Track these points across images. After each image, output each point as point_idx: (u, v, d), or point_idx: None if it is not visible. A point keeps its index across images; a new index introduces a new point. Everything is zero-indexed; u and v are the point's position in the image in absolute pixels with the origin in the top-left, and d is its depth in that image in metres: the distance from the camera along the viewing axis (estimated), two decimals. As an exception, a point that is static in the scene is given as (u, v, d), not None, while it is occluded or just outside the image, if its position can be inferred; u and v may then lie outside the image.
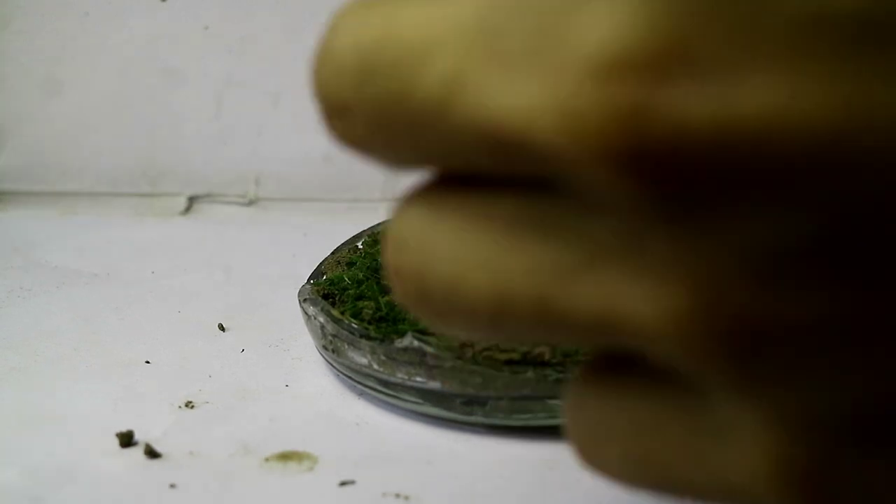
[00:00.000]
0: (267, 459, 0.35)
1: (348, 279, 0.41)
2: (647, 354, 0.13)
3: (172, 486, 0.33)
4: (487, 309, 0.14)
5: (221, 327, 0.47)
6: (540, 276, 0.14)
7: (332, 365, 0.40)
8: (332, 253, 0.46)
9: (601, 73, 0.12)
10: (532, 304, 0.14)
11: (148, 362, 0.43)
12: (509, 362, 0.35)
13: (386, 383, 0.37)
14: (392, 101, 0.14)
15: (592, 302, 0.13)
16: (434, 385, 0.36)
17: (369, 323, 0.38)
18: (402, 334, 0.36)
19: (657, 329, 0.13)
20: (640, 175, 0.12)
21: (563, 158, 0.12)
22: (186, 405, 0.39)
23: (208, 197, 0.68)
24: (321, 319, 0.39)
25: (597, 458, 0.16)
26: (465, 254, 0.14)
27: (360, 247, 0.46)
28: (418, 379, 0.36)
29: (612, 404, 0.16)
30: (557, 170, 0.13)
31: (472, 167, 0.14)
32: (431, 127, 0.14)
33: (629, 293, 0.13)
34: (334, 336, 0.39)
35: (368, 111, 0.15)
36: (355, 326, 0.38)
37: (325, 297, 0.41)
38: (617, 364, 0.15)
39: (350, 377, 0.39)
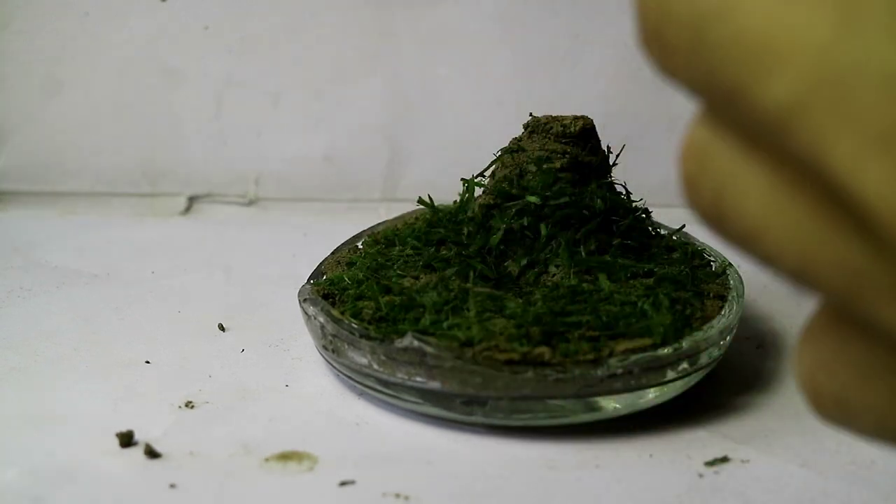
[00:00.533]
0: (267, 459, 0.35)
1: (348, 279, 0.41)
2: None
3: (172, 486, 0.33)
4: (785, 266, 0.15)
5: (221, 327, 0.47)
6: (852, 277, 0.14)
7: (332, 365, 0.40)
8: (332, 253, 0.46)
9: None
10: (836, 289, 0.15)
11: (148, 362, 0.43)
12: (509, 362, 0.35)
13: (386, 383, 0.37)
14: (721, 81, 0.15)
15: None
16: (434, 385, 0.36)
17: (369, 323, 0.38)
18: (402, 334, 0.36)
19: None
20: None
21: None
22: (186, 405, 0.39)
23: (208, 197, 0.68)
24: (321, 319, 0.39)
25: (836, 412, 0.17)
26: (776, 208, 0.15)
27: (360, 247, 0.46)
28: (418, 379, 0.36)
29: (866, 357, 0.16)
30: (880, 234, 0.13)
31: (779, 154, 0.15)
32: (754, 124, 0.15)
33: None
34: (334, 336, 0.39)
35: (693, 71, 0.15)
36: (355, 326, 0.38)
37: (325, 297, 0.41)
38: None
39: (350, 377, 0.39)
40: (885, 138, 0.13)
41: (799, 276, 0.15)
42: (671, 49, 0.15)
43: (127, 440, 0.35)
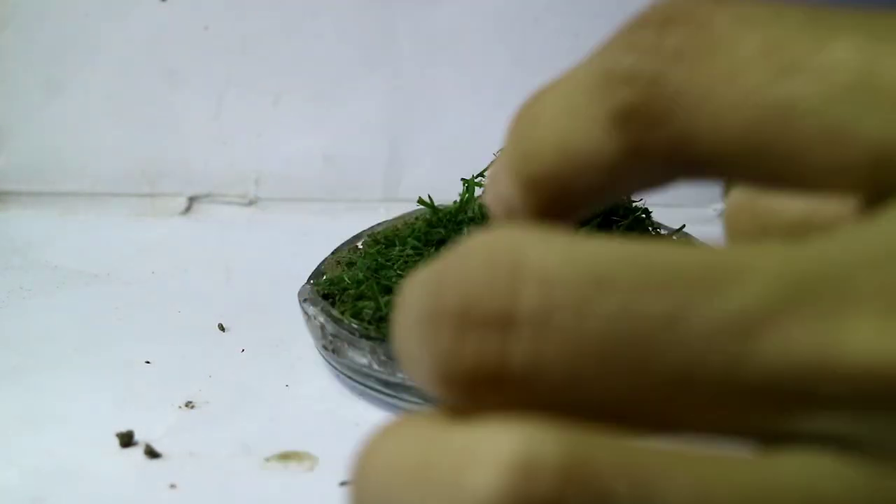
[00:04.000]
0: (267, 459, 0.35)
1: (348, 279, 0.41)
2: None
3: (172, 486, 0.33)
4: None
5: (221, 327, 0.47)
6: None
7: (332, 365, 0.40)
8: (332, 253, 0.46)
9: None
10: None
11: (148, 362, 0.43)
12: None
13: (386, 383, 0.37)
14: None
15: None
16: (434, 385, 0.36)
17: (369, 323, 0.38)
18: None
19: None
20: None
21: None
22: (186, 405, 0.39)
23: (208, 197, 0.68)
24: (321, 319, 0.39)
25: None
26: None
27: (360, 247, 0.46)
28: (418, 379, 0.36)
29: None
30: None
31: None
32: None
33: None
34: (334, 336, 0.39)
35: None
36: (355, 326, 0.38)
37: (325, 297, 0.41)
38: None
39: (350, 377, 0.39)
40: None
41: None
42: None
43: (127, 440, 0.35)
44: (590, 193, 0.16)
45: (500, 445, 0.12)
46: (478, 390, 0.13)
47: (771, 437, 0.13)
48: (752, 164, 0.14)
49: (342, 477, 0.34)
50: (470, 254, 0.13)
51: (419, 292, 0.14)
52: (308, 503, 0.33)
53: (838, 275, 0.12)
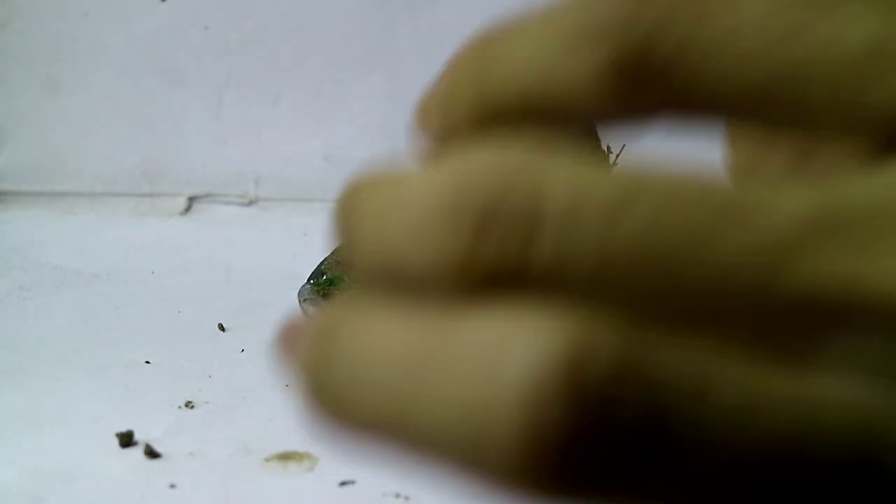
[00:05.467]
0: (267, 459, 0.35)
1: (348, 279, 0.41)
2: None
3: (172, 486, 0.33)
4: None
5: (221, 327, 0.47)
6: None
7: (332, 365, 0.40)
8: (332, 253, 0.46)
9: None
10: None
11: (148, 362, 0.43)
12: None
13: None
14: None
15: None
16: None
17: (369, 323, 0.38)
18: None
19: None
20: None
21: None
22: (186, 405, 0.39)
23: (208, 197, 0.68)
24: (321, 319, 0.39)
25: None
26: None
27: (360, 247, 0.46)
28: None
29: None
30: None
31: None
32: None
33: None
34: (334, 336, 0.39)
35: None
36: (355, 326, 0.38)
37: (325, 297, 0.41)
38: None
39: (350, 377, 0.39)
40: None
41: None
42: None
43: (127, 440, 0.35)
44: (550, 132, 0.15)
45: (546, 334, 0.12)
46: (493, 287, 0.12)
47: (801, 357, 0.13)
48: (763, 114, 0.14)
49: (342, 477, 0.34)
50: (497, 157, 0.13)
51: (437, 183, 0.13)
52: (308, 503, 0.33)
53: (862, 214, 0.13)
